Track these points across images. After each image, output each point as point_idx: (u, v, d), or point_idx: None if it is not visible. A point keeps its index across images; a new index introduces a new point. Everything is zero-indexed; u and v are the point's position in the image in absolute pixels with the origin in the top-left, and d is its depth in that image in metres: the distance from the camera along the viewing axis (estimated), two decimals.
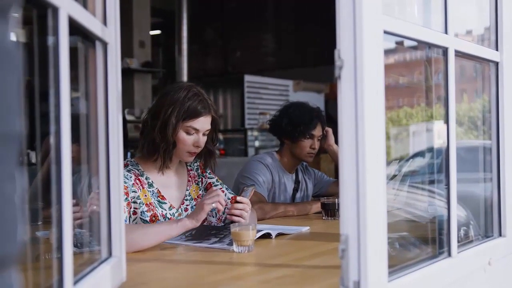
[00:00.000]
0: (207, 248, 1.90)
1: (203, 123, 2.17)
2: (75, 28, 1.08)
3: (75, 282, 1.04)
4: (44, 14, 0.97)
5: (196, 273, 1.63)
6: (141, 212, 2.11)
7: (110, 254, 1.33)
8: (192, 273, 1.64)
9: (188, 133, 2.16)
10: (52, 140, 0.98)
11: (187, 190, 2.31)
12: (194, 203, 2.30)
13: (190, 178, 2.34)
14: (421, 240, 1.64)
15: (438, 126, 1.82)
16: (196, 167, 2.38)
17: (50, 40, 0.98)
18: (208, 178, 2.39)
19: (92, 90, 1.32)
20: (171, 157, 2.20)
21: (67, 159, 0.98)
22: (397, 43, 1.41)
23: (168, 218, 2.18)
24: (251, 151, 7.22)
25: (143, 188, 2.15)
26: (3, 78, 0.52)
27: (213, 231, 2.06)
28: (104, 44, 1.31)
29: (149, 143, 2.16)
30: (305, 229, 2.30)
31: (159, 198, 2.18)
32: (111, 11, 1.35)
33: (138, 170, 2.17)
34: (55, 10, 0.97)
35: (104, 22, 1.32)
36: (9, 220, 0.54)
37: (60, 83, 0.97)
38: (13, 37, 0.56)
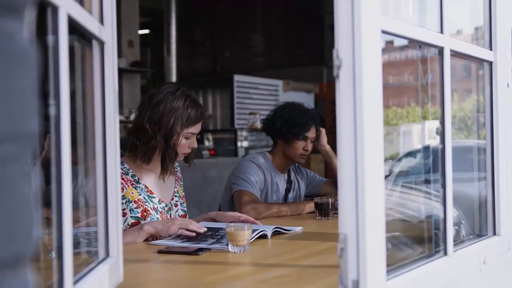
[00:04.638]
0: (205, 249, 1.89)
1: (199, 126, 2.27)
2: (72, 27, 1.07)
3: (75, 282, 1.04)
4: (41, 12, 0.96)
5: (193, 273, 1.62)
6: (130, 210, 2.14)
7: (107, 254, 1.32)
8: (189, 273, 1.64)
9: (187, 138, 2.23)
10: (51, 139, 0.97)
11: (175, 187, 2.38)
12: (182, 200, 2.38)
13: (176, 177, 2.41)
14: (417, 239, 1.64)
15: (429, 125, 1.82)
16: (179, 170, 2.46)
17: (50, 39, 0.97)
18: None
19: (88, 90, 1.31)
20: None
21: (67, 159, 0.98)
22: (387, 42, 1.41)
23: (159, 211, 2.22)
24: (241, 151, 7.21)
25: (129, 186, 2.18)
26: (19, 77, 0.51)
27: (209, 232, 2.06)
28: (101, 44, 1.31)
29: (151, 150, 2.20)
30: (298, 229, 2.30)
31: (148, 193, 2.22)
32: (107, 10, 1.34)
33: (123, 169, 2.20)
34: (55, 9, 0.96)
35: (101, 21, 1.31)
36: (26, 219, 0.53)
37: (60, 82, 0.97)
38: (28, 35, 0.55)
